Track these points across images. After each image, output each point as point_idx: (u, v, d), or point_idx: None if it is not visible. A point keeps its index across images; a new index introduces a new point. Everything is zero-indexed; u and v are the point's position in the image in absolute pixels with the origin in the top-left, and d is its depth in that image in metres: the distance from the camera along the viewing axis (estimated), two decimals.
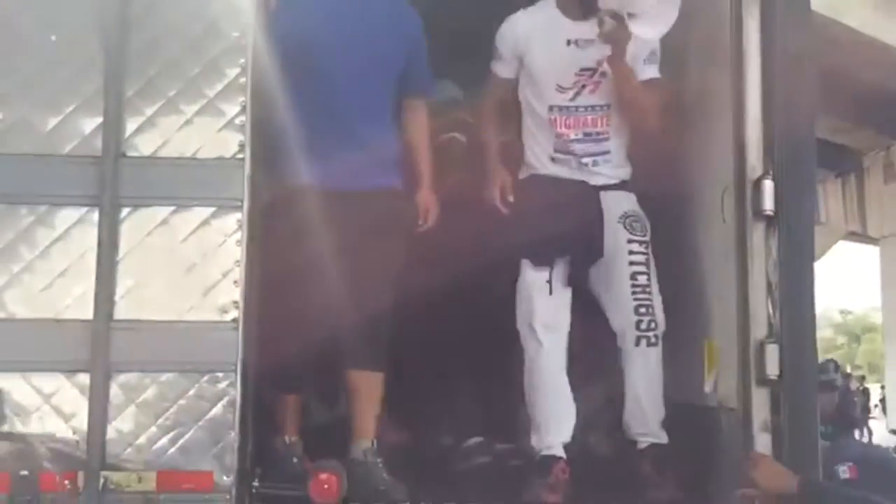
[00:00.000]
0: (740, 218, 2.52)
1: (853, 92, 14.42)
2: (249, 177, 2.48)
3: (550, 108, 2.95)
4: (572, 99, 2.93)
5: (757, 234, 2.49)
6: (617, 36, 2.73)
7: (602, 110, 2.94)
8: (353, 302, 2.76)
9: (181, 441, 2.39)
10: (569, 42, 2.93)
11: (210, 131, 2.49)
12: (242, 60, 2.50)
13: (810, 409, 2.44)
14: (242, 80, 2.50)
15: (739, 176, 2.52)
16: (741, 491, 2.44)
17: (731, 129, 2.58)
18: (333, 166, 2.76)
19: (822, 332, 50.85)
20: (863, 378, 22.47)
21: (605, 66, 2.86)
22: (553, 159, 2.98)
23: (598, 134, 2.96)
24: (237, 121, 2.49)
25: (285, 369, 2.79)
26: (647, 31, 2.74)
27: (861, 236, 18.91)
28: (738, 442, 2.50)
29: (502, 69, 3.04)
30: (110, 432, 2.37)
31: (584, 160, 2.95)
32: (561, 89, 2.94)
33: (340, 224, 2.71)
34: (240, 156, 2.48)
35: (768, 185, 2.47)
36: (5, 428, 2.33)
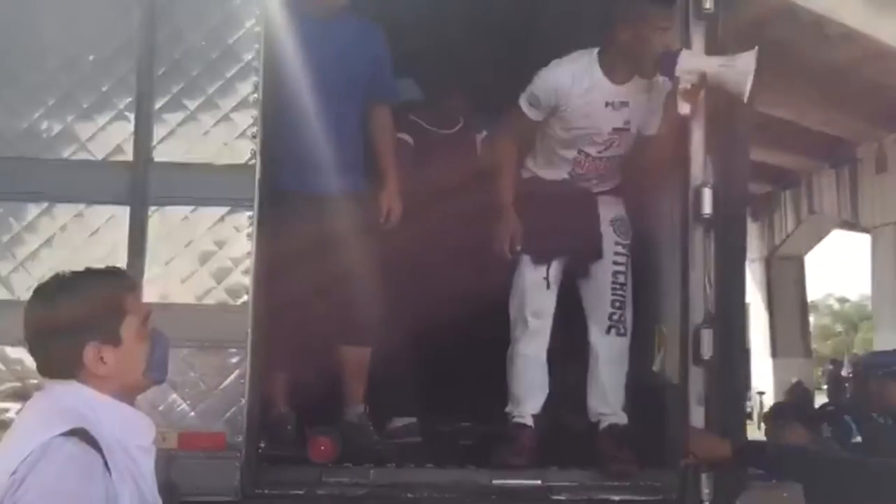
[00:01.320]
0: (683, 220, 2.90)
1: (845, 85, 14.75)
2: (259, 181, 2.88)
3: (579, 152, 3.23)
4: (600, 151, 3.23)
5: (697, 234, 2.87)
6: (694, 95, 2.88)
7: (619, 159, 3.26)
8: (343, 287, 3.19)
9: (199, 407, 2.77)
10: (607, 104, 3.15)
11: (226, 141, 2.87)
12: (255, 79, 2.89)
13: (737, 385, 2.83)
14: (254, 96, 2.88)
15: (684, 184, 2.90)
16: (684, 461, 2.85)
17: (678, 145, 2.96)
18: (316, 173, 3.18)
19: (821, 320, 51.14)
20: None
21: (632, 125, 3.15)
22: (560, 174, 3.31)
23: (609, 173, 3.32)
24: (249, 132, 2.87)
25: (285, 345, 3.19)
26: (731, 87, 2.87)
27: (854, 226, 19.23)
28: (678, 414, 2.89)
29: (535, 114, 3.21)
30: (139, 400, 2.76)
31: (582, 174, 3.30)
32: (593, 143, 3.22)
33: (328, 222, 3.12)
34: (251, 162, 2.85)
35: (707, 192, 2.85)
36: None
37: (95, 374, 1.68)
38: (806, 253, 22.84)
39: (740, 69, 2.82)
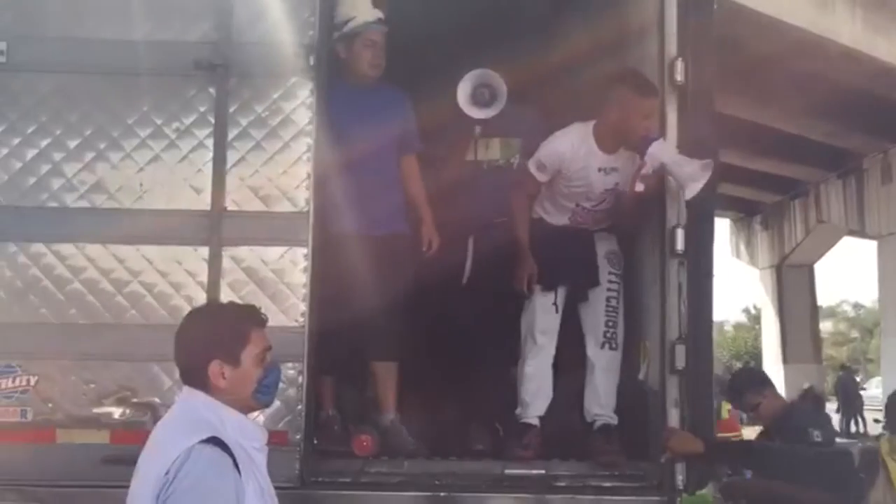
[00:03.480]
0: (662, 255, 3.51)
1: (842, 99, 15.28)
2: (313, 224, 3.50)
3: (577, 205, 3.86)
4: (594, 206, 3.86)
5: (672, 267, 3.48)
6: (650, 179, 3.51)
7: (610, 210, 3.88)
8: (376, 311, 3.79)
9: (267, 411, 3.32)
10: (600, 169, 3.75)
11: (285, 192, 3.48)
12: (308, 141, 3.51)
13: (706, 391, 3.43)
14: (307, 155, 3.48)
15: (661, 225, 3.52)
16: (663, 457, 3.45)
17: (659, 193, 3.57)
18: (359, 217, 3.80)
19: (837, 326, 51.19)
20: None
21: (620, 186, 3.75)
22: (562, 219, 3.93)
23: (603, 219, 3.93)
24: (304, 185, 3.47)
25: (331, 360, 3.79)
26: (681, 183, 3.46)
27: (861, 234, 19.68)
28: (658, 415, 3.50)
29: (541, 176, 3.81)
30: None
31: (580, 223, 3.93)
32: (588, 199, 3.85)
33: (367, 259, 3.75)
34: (305, 209, 3.48)
35: (680, 232, 3.46)
36: (152, 400, 3.35)
37: (216, 386, 2.24)
38: (816, 261, 23.32)
39: (688, 174, 3.40)
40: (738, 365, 29.19)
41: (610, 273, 3.87)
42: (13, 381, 3.32)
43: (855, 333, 46.82)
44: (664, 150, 3.49)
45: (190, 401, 2.27)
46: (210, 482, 2.08)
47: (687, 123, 3.53)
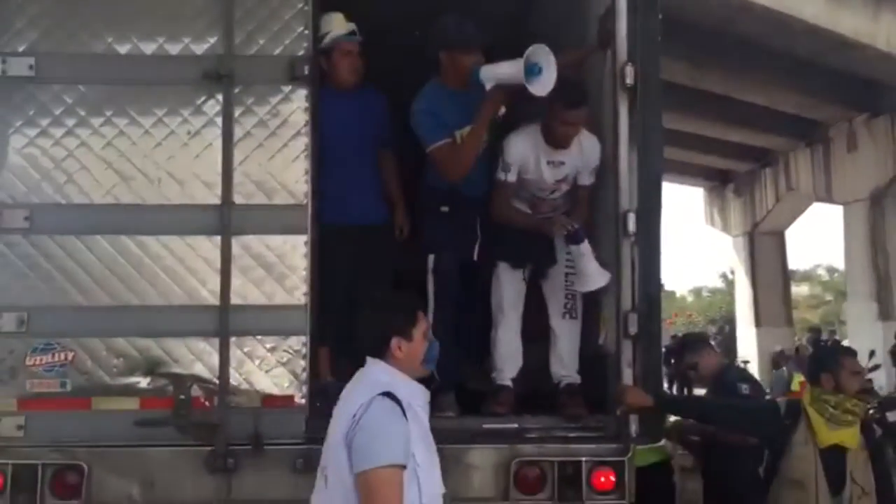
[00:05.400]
0: (616, 236, 4.01)
1: (808, 72, 15.82)
2: (311, 215, 3.96)
3: (533, 196, 4.39)
4: (548, 195, 4.39)
5: (625, 247, 3.96)
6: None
7: (563, 198, 4.40)
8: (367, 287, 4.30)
9: (275, 378, 3.85)
10: (549, 162, 4.26)
11: (286, 186, 3.93)
12: (306, 140, 3.96)
13: (655, 353, 3.95)
14: (305, 153, 3.93)
15: (615, 210, 4.01)
16: (619, 410, 3.97)
17: (612, 181, 4.07)
18: (347, 207, 4.31)
19: (814, 290, 52.05)
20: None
21: (569, 178, 4.32)
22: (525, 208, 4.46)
23: (560, 207, 4.44)
24: (303, 179, 3.93)
25: (330, 333, 4.28)
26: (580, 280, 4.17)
27: (828, 200, 20.29)
28: (614, 374, 4.02)
29: (510, 177, 4.27)
30: (232, 373, 3.80)
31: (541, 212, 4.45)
32: (541, 190, 4.37)
33: (355, 245, 4.26)
34: (304, 201, 3.93)
35: (631, 216, 3.96)
36: (174, 370, 3.84)
37: (395, 357, 2.87)
38: (786, 228, 23.93)
39: (591, 271, 4.12)
40: (713, 330, 29.93)
41: (568, 253, 4.36)
42: (53, 357, 3.79)
43: (829, 297, 47.68)
44: (583, 247, 4.12)
45: (373, 367, 2.91)
46: (384, 422, 2.72)
47: (636, 122, 3.99)
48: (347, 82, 4.42)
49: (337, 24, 4.37)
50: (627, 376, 3.95)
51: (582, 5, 4.56)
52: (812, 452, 3.76)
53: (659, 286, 3.99)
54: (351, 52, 4.41)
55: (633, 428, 3.91)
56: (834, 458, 3.75)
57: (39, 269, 3.82)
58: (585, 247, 4.11)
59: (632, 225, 3.95)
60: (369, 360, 2.94)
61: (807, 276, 54.86)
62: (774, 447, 3.87)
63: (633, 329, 3.92)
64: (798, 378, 8.48)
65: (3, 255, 3.81)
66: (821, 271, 50.60)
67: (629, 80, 3.98)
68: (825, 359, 4.05)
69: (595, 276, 4.10)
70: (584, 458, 3.84)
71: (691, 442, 5.11)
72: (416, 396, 2.90)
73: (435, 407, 4.14)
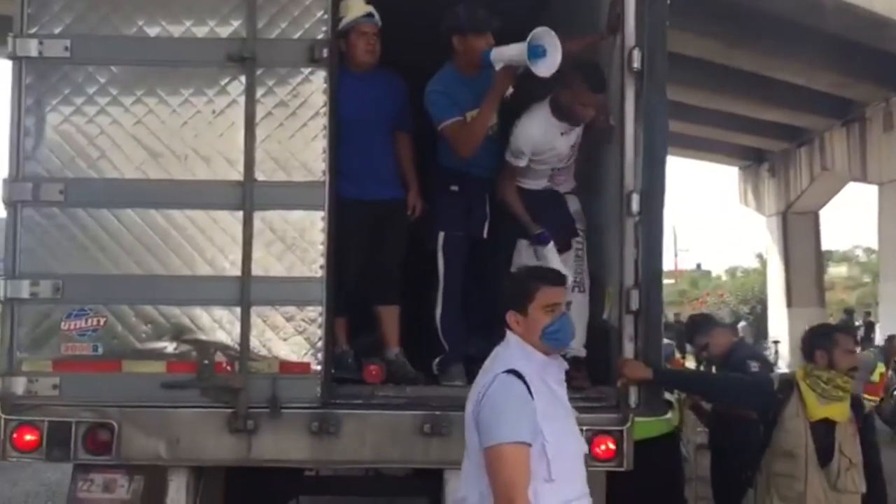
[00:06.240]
0: (621, 216, 4.17)
1: (843, 51, 15.68)
2: (328, 192, 4.15)
3: (552, 169, 4.57)
4: (566, 162, 4.58)
5: (629, 225, 4.12)
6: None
7: (575, 163, 4.60)
8: (381, 263, 4.55)
9: (292, 346, 4.05)
10: (562, 133, 4.47)
11: (305, 163, 4.12)
12: (324, 121, 4.14)
13: (655, 328, 4.11)
14: (324, 132, 4.11)
15: (620, 191, 4.16)
16: (619, 381, 4.14)
17: (618, 163, 4.21)
18: (361, 184, 4.49)
19: (851, 271, 51.46)
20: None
21: (581, 138, 4.51)
22: (540, 183, 4.62)
23: (571, 176, 4.63)
24: (321, 157, 4.11)
25: (345, 303, 4.49)
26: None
27: (862, 180, 20.14)
28: (617, 348, 4.19)
29: (521, 162, 4.45)
30: (253, 341, 4.02)
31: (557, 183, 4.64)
32: (560, 161, 4.56)
33: (371, 219, 4.46)
34: (323, 179, 4.13)
35: (635, 196, 4.11)
36: (199, 337, 4.07)
37: (515, 331, 2.94)
38: (821, 208, 23.79)
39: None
40: (745, 310, 29.83)
41: (578, 229, 4.53)
42: (86, 322, 4.04)
43: (867, 278, 47.17)
44: (548, 249, 4.42)
45: (507, 342, 3.01)
46: (506, 399, 2.81)
47: (642, 105, 4.12)
48: (364, 63, 4.57)
49: (354, 8, 4.53)
50: (629, 350, 4.12)
51: None
52: (803, 425, 3.91)
53: (660, 264, 4.15)
54: (367, 33, 4.55)
55: (633, 399, 4.09)
56: (823, 431, 3.91)
57: (74, 239, 4.06)
58: (550, 248, 4.31)
59: (635, 205, 4.10)
60: (507, 334, 3.01)
61: (845, 257, 54.18)
62: (768, 420, 4.02)
63: (634, 305, 4.09)
64: (880, 369, 8.27)
65: (40, 227, 4.05)
66: (858, 252, 50.01)
67: (636, 65, 4.12)
68: (821, 336, 4.18)
69: None
70: (585, 427, 3.98)
71: (703, 411, 5.27)
72: (549, 371, 2.95)
73: (444, 376, 4.43)
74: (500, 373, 2.82)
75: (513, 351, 2.93)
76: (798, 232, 23.45)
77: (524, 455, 2.73)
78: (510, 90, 4.45)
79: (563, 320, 2.96)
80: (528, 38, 4.07)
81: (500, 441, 2.74)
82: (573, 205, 4.66)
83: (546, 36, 4.09)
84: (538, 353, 2.92)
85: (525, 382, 2.79)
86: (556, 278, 3.06)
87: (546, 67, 4.10)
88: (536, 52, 4.08)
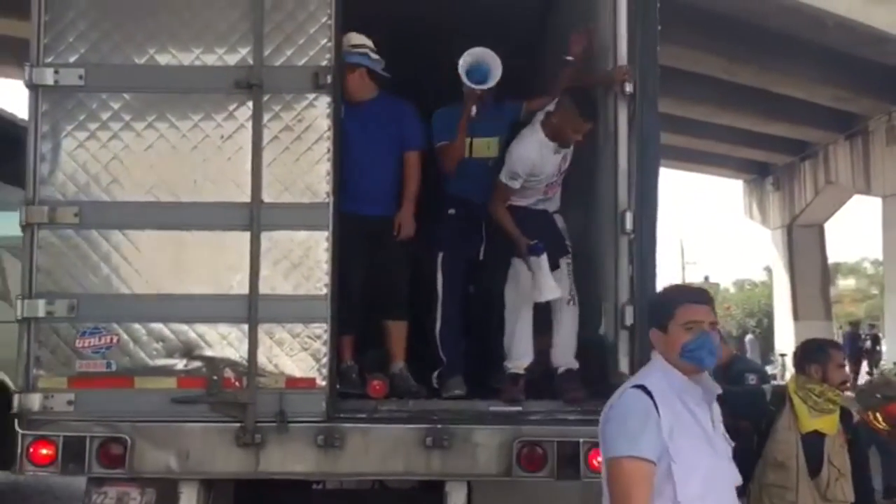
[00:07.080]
0: (615, 233, 4.31)
1: (845, 66, 15.82)
2: (332, 213, 4.29)
3: (547, 184, 4.73)
4: (557, 177, 4.75)
5: (623, 243, 4.26)
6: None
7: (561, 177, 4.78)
8: (387, 279, 4.71)
9: (298, 362, 4.17)
10: (555, 152, 4.64)
11: (310, 186, 4.27)
12: (328, 145, 4.30)
13: (648, 344, 4.23)
14: (327, 156, 4.26)
15: (614, 210, 4.31)
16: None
17: (612, 183, 4.36)
18: (367, 202, 4.66)
19: (859, 283, 51.34)
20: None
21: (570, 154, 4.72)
22: (531, 200, 4.79)
23: (559, 191, 4.81)
24: (325, 180, 4.25)
25: (350, 320, 4.64)
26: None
27: (866, 193, 20.22)
28: (612, 361, 4.32)
29: (516, 184, 4.60)
30: (260, 357, 4.15)
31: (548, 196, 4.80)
32: (553, 177, 4.73)
33: (371, 235, 4.62)
34: (326, 200, 4.27)
35: (629, 214, 4.25)
36: (208, 353, 4.22)
37: (656, 348, 2.83)
38: (825, 220, 23.85)
39: (549, 286, 4.53)
40: (752, 322, 29.85)
41: (567, 245, 4.75)
42: (100, 340, 4.18)
43: (875, 290, 47.06)
44: (541, 260, 4.48)
45: (652, 359, 2.91)
46: (629, 413, 2.69)
47: (635, 128, 4.27)
48: (352, 97, 4.72)
49: (346, 42, 4.67)
50: (623, 364, 4.24)
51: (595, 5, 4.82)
52: (794, 437, 4.03)
53: (654, 280, 4.27)
54: (355, 71, 4.74)
55: None
56: (813, 443, 4.02)
57: (88, 260, 4.21)
58: (543, 259, 4.44)
59: (629, 223, 4.24)
60: (652, 353, 2.91)
61: (853, 270, 54.04)
62: (761, 430, 4.14)
63: (628, 320, 4.22)
64: None
65: (56, 248, 4.21)
66: (866, 265, 49.95)
67: (628, 89, 4.26)
68: (815, 351, 4.30)
69: (550, 288, 4.47)
70: (581, 440, 4.12)
71: None
72: (690, 393, 2.76)
73: (443, 387, 4.57)
74: (628, 387, 2.76)
75: (652, 369, 2.84)
76: (803, 245, 23.51)
77: (643, 470, 2.61)
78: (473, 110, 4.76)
79: (702, 338, 2.76)
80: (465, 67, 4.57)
81: (618, 454, 2.65)
82: (560, 223, 4.86)
83: (469, 57, 4.57)
84: (678, 372, 2.77)
85: (652, 398, 2.68)
86: (698, 296, 2.89)
87: (486, 82, 4.59)
88: (472, 73, 4.57)
